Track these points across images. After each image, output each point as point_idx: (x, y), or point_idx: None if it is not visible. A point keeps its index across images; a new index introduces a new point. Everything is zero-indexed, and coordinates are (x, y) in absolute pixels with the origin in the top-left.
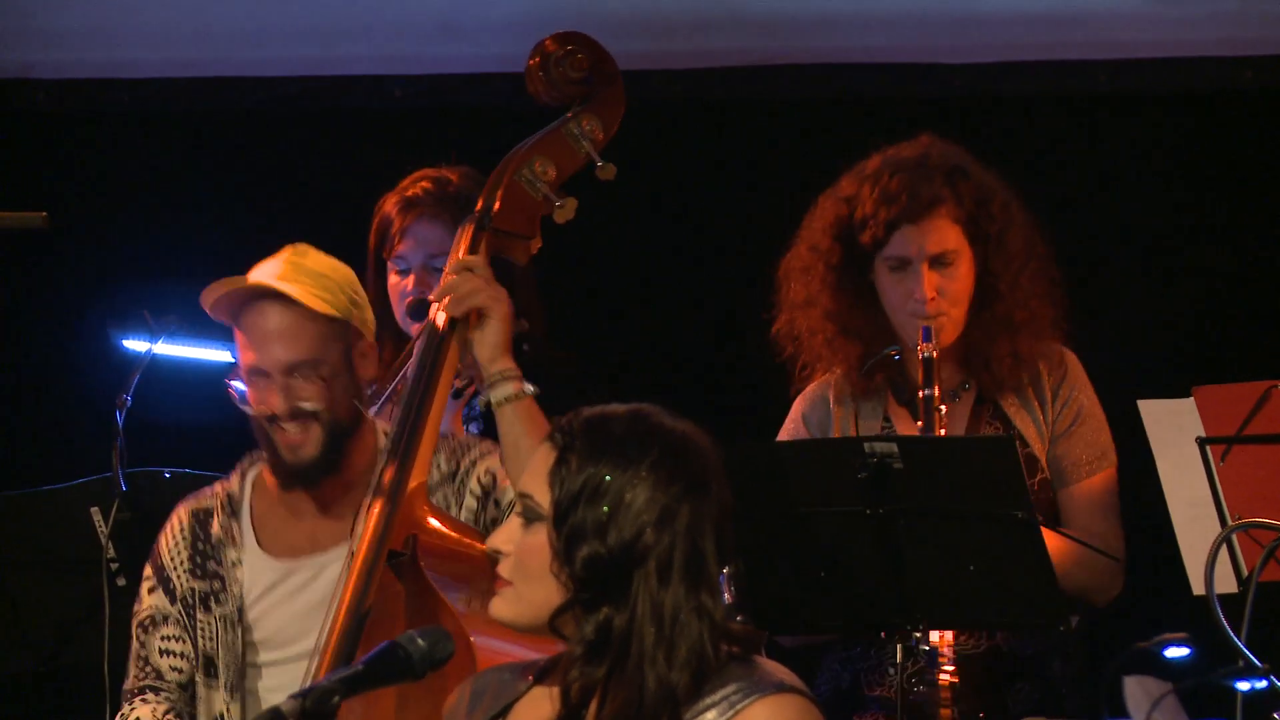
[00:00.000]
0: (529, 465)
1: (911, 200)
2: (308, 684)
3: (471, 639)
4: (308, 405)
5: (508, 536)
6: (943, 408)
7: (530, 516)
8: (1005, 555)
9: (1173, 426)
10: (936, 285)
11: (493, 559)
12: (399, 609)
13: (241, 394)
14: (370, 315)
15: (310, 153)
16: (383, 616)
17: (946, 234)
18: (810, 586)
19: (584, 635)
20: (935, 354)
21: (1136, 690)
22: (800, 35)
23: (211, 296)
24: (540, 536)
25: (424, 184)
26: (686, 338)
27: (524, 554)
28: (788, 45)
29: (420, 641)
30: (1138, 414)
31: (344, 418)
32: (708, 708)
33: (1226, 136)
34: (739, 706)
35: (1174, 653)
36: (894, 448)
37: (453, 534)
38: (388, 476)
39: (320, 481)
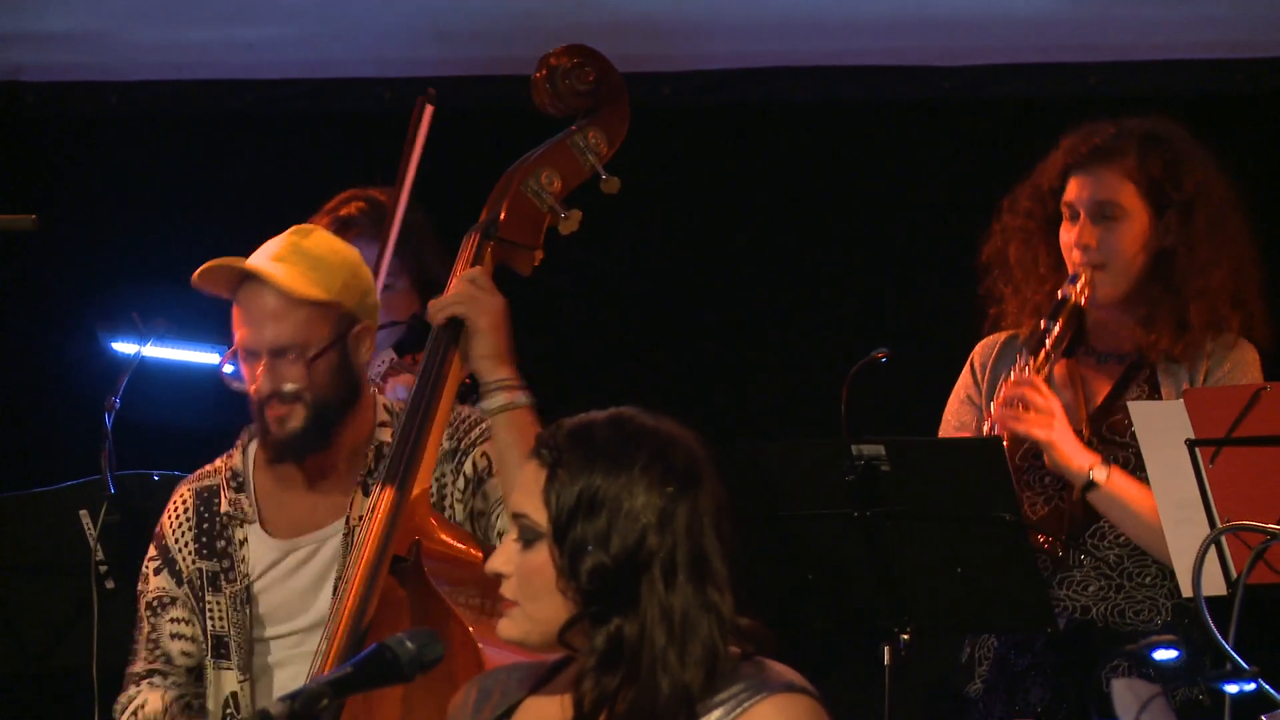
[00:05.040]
0: (520, 484)
1: (1090, 150)
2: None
3: (480, 645)
4: (289, 388)
5: (507, 558)
6: (1047, 341)
7: (529, 536)
8: (993, 558)
9: (1162, 428)
10: (1097, 236)
11: (494, 581)
12: (403, 615)
13: (234, 371)
14: (372, 299)
15: (299, 155)
16: (386, 622)
17: (1116, 187)
18: (798, 589)
19: (595, 647)
20: (1079, 298)
21: (1125, 692)
22: (789, 38)
23: (201, 274)
24: (541, 555)
25: (358, 204)
26: (667, 341)
27: (526, 574)
28: (776, 48)
29: (409, 644)
30: None
31: (332, 398)
32: (715, 706)
33: (1217, 140)
34: (746, 705)
35: (1162, 655)
36: (881, 450)
37: (455, 541)
38: (388, 492)
39: (306, 456)
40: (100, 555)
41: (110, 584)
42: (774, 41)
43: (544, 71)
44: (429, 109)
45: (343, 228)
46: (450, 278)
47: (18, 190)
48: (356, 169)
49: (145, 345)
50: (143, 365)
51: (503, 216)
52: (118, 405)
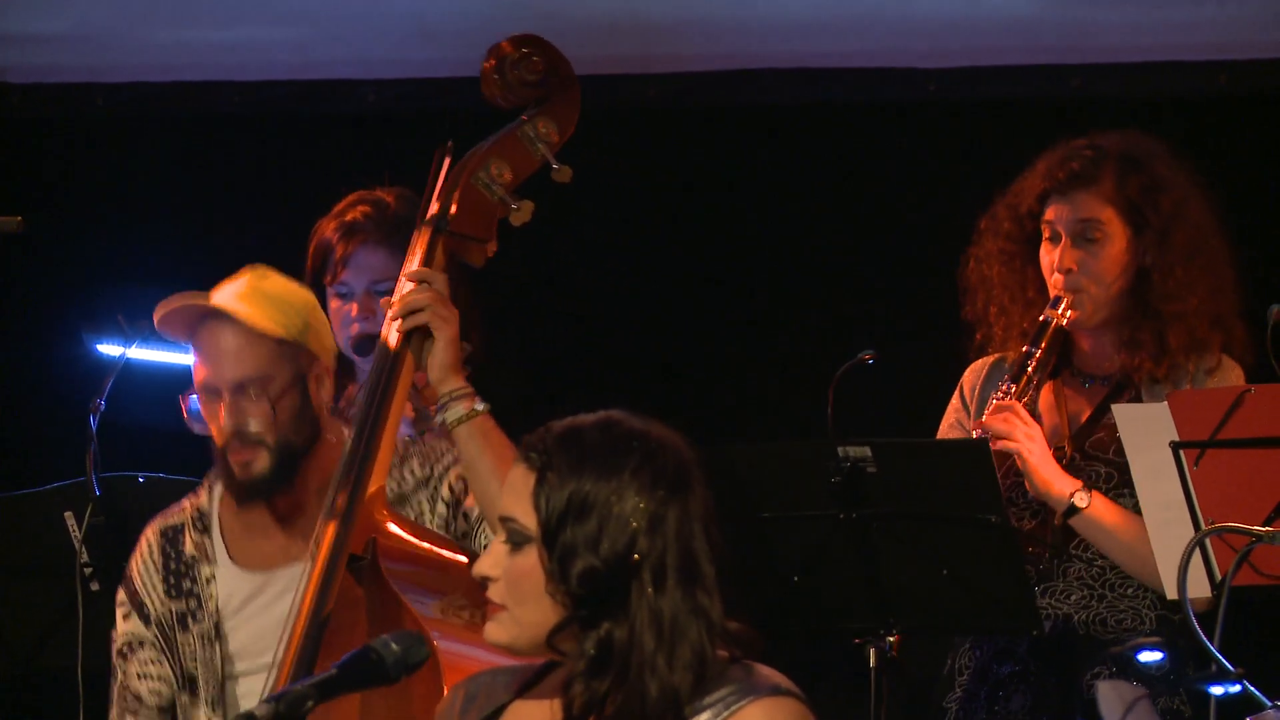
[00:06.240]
0: (507, 487)
1: (1068, 175)
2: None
3: (436, 643)
4: (253, 429)
5: (494, 561)
6: (1029, 367)
7: (517, 540)
8: (979, 560)
9: (1147, 431)
10: (1078, 259)
11: (481, 585)
12: (360, 613)
13: (195, 412)
14: (329, 340)
15: (284, 157)
16: (344, 622)
17: (1095, 210)
18: (784, 591)
19: (585, 651)
20: (1061, 321)
21: (1110, 694)
22: (774, 40)
23: (163, 314)
24: (530, 558)
25: (363, 209)
26: (654, 343)
27: (515, 578)
28: (762, 50)
29: (394, 646)
30: None
31: (294, 439)
32: (703, 709)
33: (1201, 141)
34: (734, 708)
35: (1147, 657)
36: (867, 451)
37: (411, 537)
38: (342, 492)
39: (273, 497)
40: (85, 557)
41: (95, 585)
42: (759, 43)
43: (493, 62)
44: (447, 160)
45: (349, 233)
46: (400, 273)
47: (3, 191)
48: (342, 170)
49: (130, 347)
50: (128, 367)
51: (454, 210)
52: (103, 407)
